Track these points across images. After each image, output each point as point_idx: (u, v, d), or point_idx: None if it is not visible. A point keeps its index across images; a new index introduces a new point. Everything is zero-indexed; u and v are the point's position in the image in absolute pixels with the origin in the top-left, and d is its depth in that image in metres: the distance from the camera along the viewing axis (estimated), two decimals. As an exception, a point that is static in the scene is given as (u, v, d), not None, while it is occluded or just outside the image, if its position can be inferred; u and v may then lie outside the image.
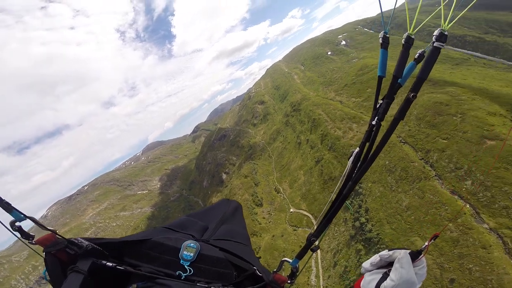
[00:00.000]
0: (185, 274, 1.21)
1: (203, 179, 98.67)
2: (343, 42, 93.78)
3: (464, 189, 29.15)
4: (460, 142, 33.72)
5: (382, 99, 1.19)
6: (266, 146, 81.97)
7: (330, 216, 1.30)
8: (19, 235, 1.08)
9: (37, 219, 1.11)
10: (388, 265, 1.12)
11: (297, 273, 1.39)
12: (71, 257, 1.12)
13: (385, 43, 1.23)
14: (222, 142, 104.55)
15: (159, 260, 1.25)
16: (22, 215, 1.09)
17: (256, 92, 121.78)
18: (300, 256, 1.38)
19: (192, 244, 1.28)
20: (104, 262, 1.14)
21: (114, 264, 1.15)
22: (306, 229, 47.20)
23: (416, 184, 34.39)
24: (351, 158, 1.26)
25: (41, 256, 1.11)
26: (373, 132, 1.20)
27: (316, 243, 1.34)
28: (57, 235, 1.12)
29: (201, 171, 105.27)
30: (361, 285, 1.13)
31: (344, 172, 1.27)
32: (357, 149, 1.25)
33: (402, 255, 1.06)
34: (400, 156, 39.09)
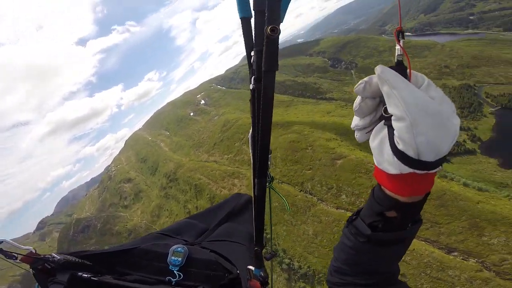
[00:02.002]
0: (175, 280, 1.22)
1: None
2: (203, 102, 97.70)
3: (344, 202, 34.22)
4: (320, 168, 40.14)
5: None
6: (150, 225, 70.13)
7: (258, 219, 1.17)
8: (3, 256, 1.19)
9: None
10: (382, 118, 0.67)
11: (267, 280, 1.31)
12: (54, 270, 1.20)
13: None
14: (87, 234, 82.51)
15: (149, 267, 1.28)
16: None
17: (117, 170, 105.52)
18: (258, 266, 1.29)
19: (179, 249, 1.29)
20: (80, 274, 1.15)
21: (89, 275, 1.16)
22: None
23: (309, 213, 37.35)
24: (250, 143, 1.02)
25: (29, 271, 1.22)
26: (256, 101, 0.85)
27: (265, 250, 1.30)
28: (34, 253, 1.20)
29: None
30: (375, 162, 0.67)
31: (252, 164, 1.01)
32: (250, 131, 1.03)
33: (381, 69, 0.61)
34: (283, 195, 42.24)
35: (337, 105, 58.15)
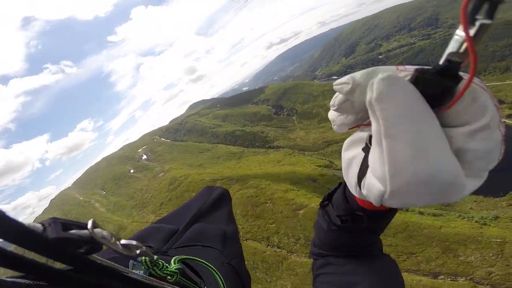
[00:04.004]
0: None
1: None
2: (144, 157, 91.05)
3: None
4: (283, 220, 40.31)
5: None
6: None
7: None
8: None
9: None
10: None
11: None
12: None
13: None
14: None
15: (110, 285, 1.11)
16: None
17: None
18: None
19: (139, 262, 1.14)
20: None
21: None
22: None
23: (282, 267, 36.24)
24: None
25: None
26: None
27: None
28: None
29: None
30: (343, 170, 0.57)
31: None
32: None
33: (380, 91, 0.34)
34: (251, 252, 40.70)
35: (285, 153, 61.31)
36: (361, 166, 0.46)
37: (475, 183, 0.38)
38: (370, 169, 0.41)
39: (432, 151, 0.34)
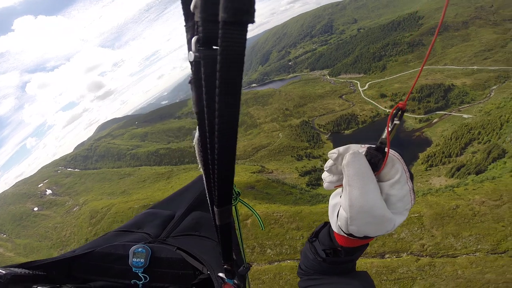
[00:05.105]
0: (141, 282, 1.17)
1: None
2: (49, 191, 78.79)
3: (272, 255, 33.72)
4: (233, 233, 39.68)
5: None
6: None
7: (225, 246, 0.96)
8: None
9: None
10: None
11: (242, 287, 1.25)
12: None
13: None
14: None
15: (111, 271, 1.20)
16: None
17: None
18: (230, 277, 1.19)
19: (140, 249, 1.21)
20: (35, 286, 1.07)
21: (47, 287, 1.10)
22: None
23: (248, 278, 35.28)
24: (197, 152, 0.71)
25: None
26: (204, 81, 0.50)
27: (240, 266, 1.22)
28: None
29: None
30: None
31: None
32: (196, 134, 0.69)
33: (348, 160, 0.65)
34: None
35: (218, 165, 60.12)
36: (339, 209, 0.72)
37: (401, 218, 0.67)
38: (341, 206, 0.69)
39: (371, 195, 0.62)
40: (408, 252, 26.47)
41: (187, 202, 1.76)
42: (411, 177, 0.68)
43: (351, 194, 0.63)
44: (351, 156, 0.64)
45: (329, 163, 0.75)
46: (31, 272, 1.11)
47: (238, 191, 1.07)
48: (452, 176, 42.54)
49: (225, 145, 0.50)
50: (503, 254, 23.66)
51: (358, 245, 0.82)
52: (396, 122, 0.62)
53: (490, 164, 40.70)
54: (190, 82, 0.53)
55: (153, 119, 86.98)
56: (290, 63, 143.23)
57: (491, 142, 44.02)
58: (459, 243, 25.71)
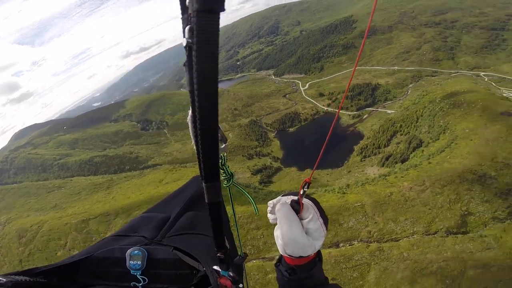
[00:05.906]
0: (140, 284, 1.19)
1: None
2: None
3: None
4: None
5: None
6: None
7: (216, 226, 1.02)
8: None
9: None
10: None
11: (238, 279, 1.27)
12: None
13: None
14: None
15: (110, 274, 1.23)
16: None
17: None
18: (224, 268, 1.22)
19: (136, 252, 1.22)
20: None
21: None
22: None
23: None
24: (191, 130, 0.74)
25: None
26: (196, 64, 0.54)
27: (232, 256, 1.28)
28: None
29: None
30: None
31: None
32: (190, 113, 0.74)
33: (278, 208, 1.07)
34: None
35: (166, 170, 56.04)
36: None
37: (320, 242, 1.04)
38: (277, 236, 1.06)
39: (294, 229, 1.00)
40: (358, 240, 28.27)
41: (181, 203, 1.74)
42: (323, 216, 1.09)
43: (282, 229, 1.01)
44: (280, 205, 1.05)
45: (268, 209, 1.13)
46: (32, 279, 1.11)
47: (231, 172, 1.09)
48: (383, 166, 47.76)
49: (206, 122, 0.56)
50: (435, 235, 26.60)
51: (302, 263, 1.09)
52: (305, 189, 1.02)
53: (411, 153, 46.57)
54: (184, 65, 0.62)
55: (83, 123, 76.78)
56: (238, 63, 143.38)
57: (411, 134, 51.03)
58: (398, 227, 28.13)
